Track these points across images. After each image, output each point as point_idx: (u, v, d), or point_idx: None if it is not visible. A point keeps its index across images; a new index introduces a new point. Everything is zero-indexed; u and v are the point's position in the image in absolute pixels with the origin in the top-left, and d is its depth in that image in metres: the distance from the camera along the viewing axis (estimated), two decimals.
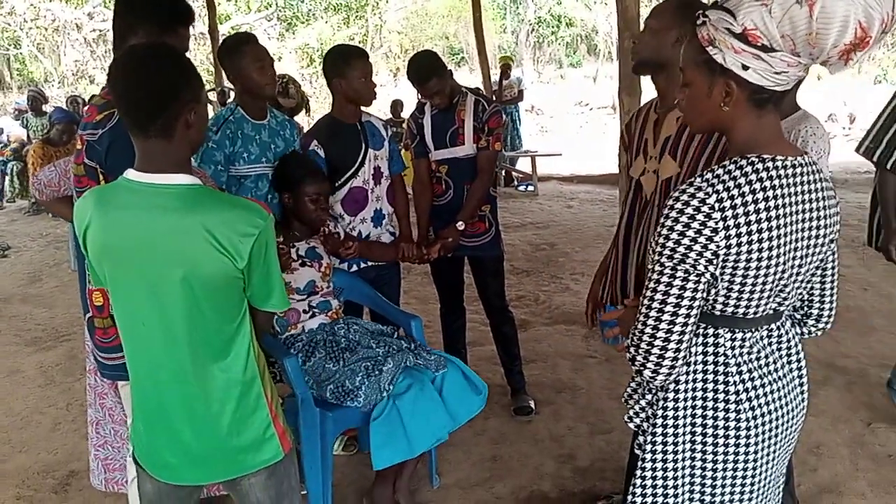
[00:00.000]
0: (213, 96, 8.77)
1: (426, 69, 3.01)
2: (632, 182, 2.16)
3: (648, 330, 1.29)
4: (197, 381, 1.51)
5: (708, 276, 1.26)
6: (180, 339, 1.48)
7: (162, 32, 1.94)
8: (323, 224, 2.74)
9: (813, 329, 1.52)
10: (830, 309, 1.50)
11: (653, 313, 1.28)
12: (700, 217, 1.23)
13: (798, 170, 1.28)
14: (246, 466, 1.58)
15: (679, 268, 1.25)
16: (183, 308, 1.46)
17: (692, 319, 1.28)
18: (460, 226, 3.11)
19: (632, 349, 1.33)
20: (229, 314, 1.51)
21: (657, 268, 1.28)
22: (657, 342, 1.28)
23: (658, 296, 1.28)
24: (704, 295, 1.29)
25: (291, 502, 1.70)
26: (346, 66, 2.81)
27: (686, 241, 1.24)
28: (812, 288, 1.47)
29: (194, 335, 1.48)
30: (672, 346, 1.28)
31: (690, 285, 1.25)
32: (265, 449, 1.58)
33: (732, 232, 1.23)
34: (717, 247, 1.23)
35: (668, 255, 1.26)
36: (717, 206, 1.22)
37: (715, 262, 1.25)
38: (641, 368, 1.32)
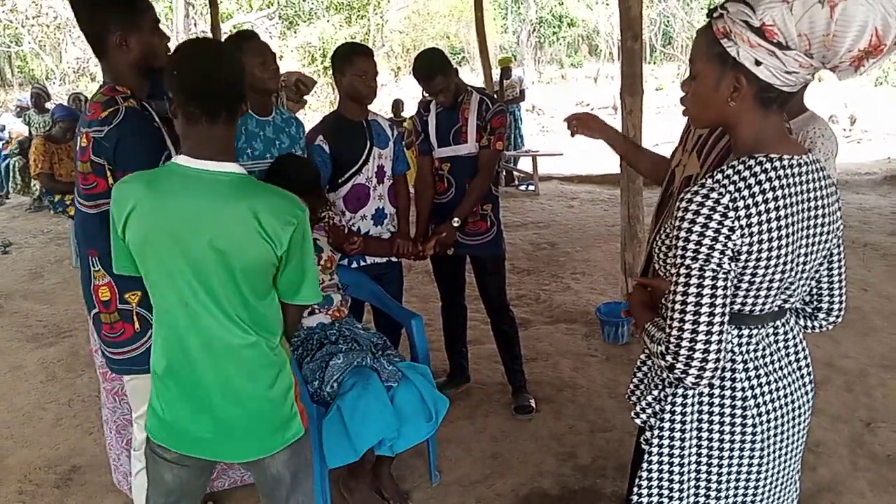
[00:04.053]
0: None
1: (432, 66, 3.02)
2: (668, 171, 2.17)
3: (686, 335, 1.25)
4: (241, 358, 1.58)
5: (732, 274, 1.26)
6: (224, 322, 1.55)
7: (132, 20, 1.94)
8: None
9: (824, 322, 1.52)
10: (840, 302, 1.50)
11: (688, 317, 1.25)
12: (717, 217, 1.23)
13: (804, 168, 1.29)
14: (277, 443, 1.65)
15: (706, 268, 1.24)
16: (227, 289, 1.53)
17: (726, 318, 1.26)
18: (456, 222, 3.12)
19: (668, 357, 1.28)
20: (267, 297, 1.60)
21: (682, 271, 1.26)
22: (698, 346, 1.25)
23: (690, 299, 1.25)
24: (731, 293, 1.28)
25: (307, 475, 1.77)
26: (346, 63, 2.85)
27: (707, 241, 1.23)
28: (820, 281, 1.48)
29: (237, 318, 1.56)
30: (713, 347, 1.25)
31: (720, 284, 1.24)
32: (291, 425, 1.66)
33: (746, 231, 1.23)
34: (735, 245, 1.24)
35: (691, 257, 1.25)
36: (730, 205, 1.22)
37: (735, 259, 1.25)
38: (683, 376, 1.27)
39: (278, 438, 1.65)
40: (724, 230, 1.23)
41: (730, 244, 1.24)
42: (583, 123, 2.21)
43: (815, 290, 1.49)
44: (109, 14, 1.92)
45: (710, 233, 1.23)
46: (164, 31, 2.07)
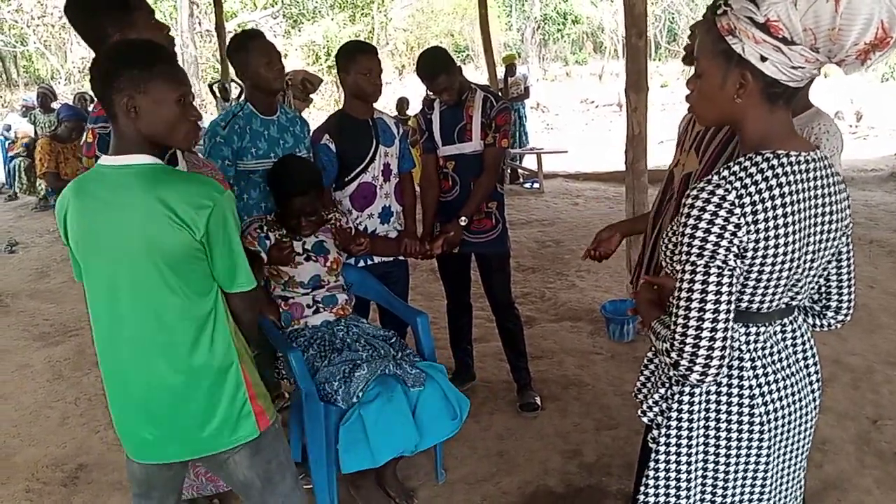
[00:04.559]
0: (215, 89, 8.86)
1: (435, 65, 3.02)
2: (667, 172, 2.17)
3: (691, 332, 1.24)
4: (173, 361, 1.57)
5: (738, 271, 1.25)
6: (154, 319, 1.55)
7: (128, 19, 1.95)
8: (303, 234, 2.69)
9: (833, 321, 1.51)
10: (849, 300, 1.49)
11: (693, 314, 1.24)
12: (723, 213, 1.22)
13: (811, 165, 1.28)
14: (222, 443, 1.64)
15: (712, 264, 1.23)
16: (154, 286, 1.53)
17: (731, 316, 1.25)
18: (463, 221, 3.12)
19: (673, 354, 1.27)
20: (200, 293, 1.57)
21: (688, 267, 1.25)
22: (703, 343, 1.24)
23: (696, 295, 1.24)
24: (736, 290, 1.27)
25: (284, 477, 1.75)
26: (350, 61, 2.85)
27: (713, 237, 1.22)
28: (829, 279, 1.47)
29: (169, 314, 1.55)
30: (718, 345, 1.24)
31: (725, 280, 1.23)
32: (241, 426, 1.64)
33: (752, 228, 1.23)
34: (741, 241, 1.23)
35: (697, 253, 1.24)
36: (737, 201, 1.22)
37: (741, 256, 1.24)
38: (687, 373, 1.26)
39: (223, 439, 1.64)
40: (731, 227, 1.22)
41: (736, 241, 1.23)
42: (602, 246, 2.29)
43: (823, 289, 1.49)
44: (104, 17, 1.93)
45: (716, 229, 1.23)
46: (161, 23, 2.08)
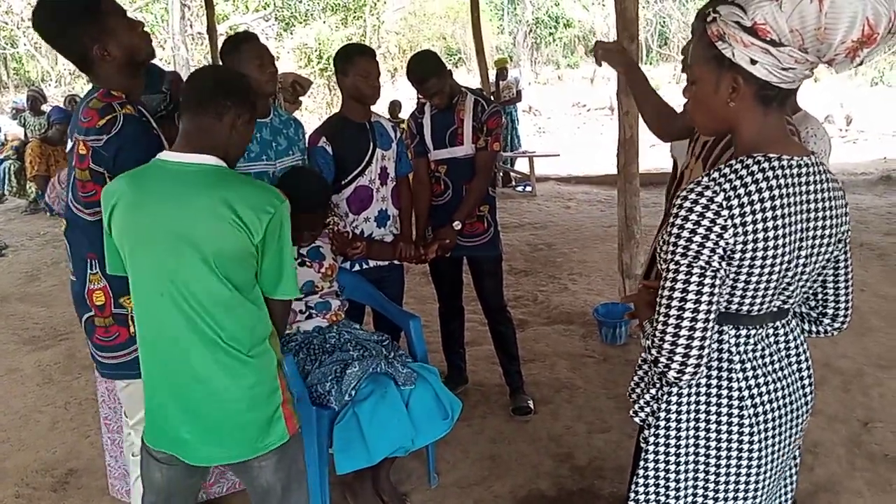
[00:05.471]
0: None
1: (426, 69, 3.02)
2: (678, 171, 2.17)
3: (671, 330, 1.26)
4: (220, 359, 1.57)
5: (722, 273, 1.26)
6: (203, 317, 1.55)
7: (104, 27, 1.91)
8: (299, 245, 2.64)
9: (829, 328, 1.52)
10: (846, 308, 1.49)
11: (673, 312, 1.26)
12: (709, 215, 1.23)
13: (804, 169, 1.29)
14: (257, 448, 1.64)
15: (695, 265, 1.24)
16: (205, 284, 1.54)
17: (713, 316, 1.27)
18: (457, 225, 3.12)
19: (653, 351, 1.30)
20: (248, 293, 1.60)
21: (672, 266, 1.27)
22: (681, 341, 1.26)
23: (677, 294, 1.26)
24: (720, 291, 1.28)
25: (300, 485, 1.76)
26: (349, 64, 2.85)
27: (698, 238, 1.24)
28: (826, 286, 1.47)
29: (218, 313, 1.56)
30: (696, 343, 1.26)
31: (708, 281, 1.25)
32: (274, 430, 1.65)
33: (740, 230, 1.24)
34: (727, 244, 1.24)
35: (681, 253, 1.25)
36: (724, 204, 1.23)
37: (727, 258, 1.26)
38: (665, 370, 1.29)
39: (258, 444, 1.64)
40: (717, 228, 1.24)
41: (721, 242, 1.24)
42: (608, 55, 2.31)
43: (820, 295, 1.49)
44: (80, 31, 1.89)
45: (701, 230, 1.24)
46: (136, 21, 2.03)
